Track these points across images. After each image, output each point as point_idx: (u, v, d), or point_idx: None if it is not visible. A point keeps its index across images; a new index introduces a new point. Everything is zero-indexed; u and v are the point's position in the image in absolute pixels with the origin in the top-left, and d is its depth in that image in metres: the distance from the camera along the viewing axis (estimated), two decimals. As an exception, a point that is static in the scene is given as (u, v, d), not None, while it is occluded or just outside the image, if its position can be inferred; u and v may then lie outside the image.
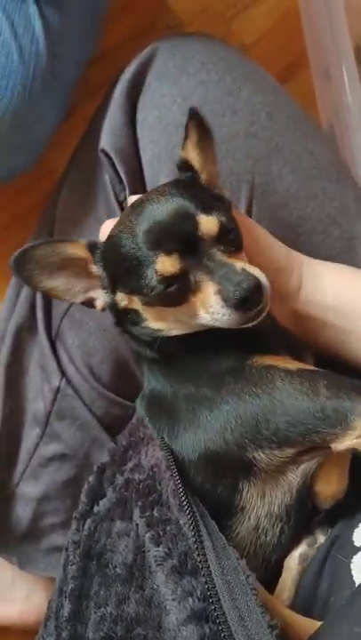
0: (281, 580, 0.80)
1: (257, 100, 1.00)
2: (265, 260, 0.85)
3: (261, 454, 0.73)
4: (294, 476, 0.77)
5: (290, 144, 1.00)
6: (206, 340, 0.81)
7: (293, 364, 0.78)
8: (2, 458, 1.09)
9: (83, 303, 0.83)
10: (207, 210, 0.74)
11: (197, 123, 0.83)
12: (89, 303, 0.84)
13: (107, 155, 1.01)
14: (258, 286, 0.71)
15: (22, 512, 1.10)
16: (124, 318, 0.83)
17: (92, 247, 0.81)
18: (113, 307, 0.82)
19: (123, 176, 1.00)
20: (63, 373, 1.06)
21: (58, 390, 1.05)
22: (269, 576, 0.80)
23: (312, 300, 0.89)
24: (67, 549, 0.84)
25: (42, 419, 1.07)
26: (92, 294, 0.83)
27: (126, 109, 1.02)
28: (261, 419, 0.72)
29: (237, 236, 0.78)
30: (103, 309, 0.84)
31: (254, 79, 1.03)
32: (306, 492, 0.79)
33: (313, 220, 1.00)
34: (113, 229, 0.81)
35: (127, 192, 1.01)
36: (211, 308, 0.73)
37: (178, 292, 0.74)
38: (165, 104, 0.99)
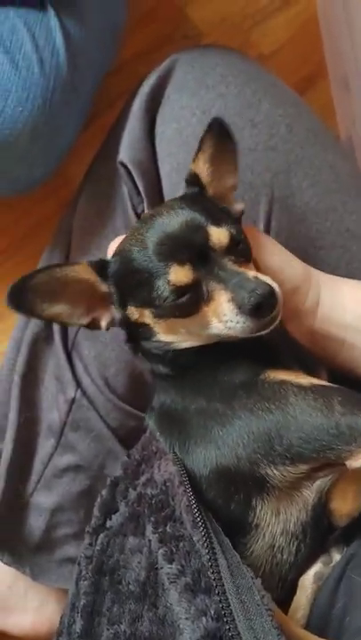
0: (296, 598, 0.79)
1: (277, 113, 1.00)
2: (282, 276, 0.84)
3: (274, 470, 0.72)
4: (309, 493, 0.76)
5: (309, 157, 0.99)
6: (217, 354, 0.80)
7: (306, 380, 0.77)
8: (16, 468, 1.09)
9: (87, 326, 0.82)
10: (217, 222, 0.75)
11: (216, 135, 0.83)
12: (93, 325, 0.82)
13: (125, 167, 1.01)
14: (272, 292, 0.71)
15: (35, 522, 1.09)
16: (135, 333, 0.83)
17: (99, 265, 0.80)
18: (124, 322, 0.82)
19: (141, 188, 1.00)
20: (78, 384, 1.05)
21: (73, 401, 1.05)
22: (285, 595, 0.79)
23: (330, 318, 0.88)
24: (79, 564, 0.83)
25: (57, 429, 1.07)
26: (96, 314, 0.82)
27: (145, 122, 1.02)
28: (274, 434, 0.71)
29: (246, 247, 0.79)
30: (108, 328, 0.83)
31: (274, 92, 1.02)
32: (321, 509, 0.77)
33: (332, 234, 0.99)
34: (122, 243, 0.81)
35: (145, 204, 1.00)
36: (225, 317, 0.73)
37: (190, 302, 0.75)
38: (185, 116, 0.98)
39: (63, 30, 1.03)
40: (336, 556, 0.80)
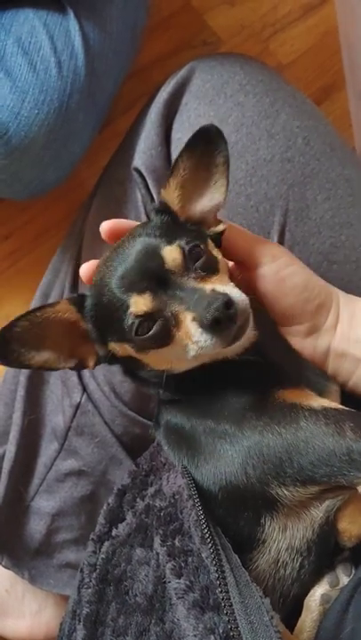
0: (301, 619, 0.78)
1: (294, 125, 0.99)
2: (307, 294, 0.84)
3: (285, 491, 0.71)
4: (317, 512, 0.75)
5: (326, 170, 0.99)
6: (223, 375, 0.79)
7: (317, 402, 0.76)
8: (19, 470, 1.08)
9: (74, 367, 0.79)
10: (170, 241, 0.73)
11: (196, 153, 0.79)
12: (80, 366, 0.79)
13: (140, 173, 1.01)
14: (227, 302, 0.68)
15: (36, 526, 1.09)
16: (128, 364, 0.80)
17: (78, 302, 0.78)
18: (111, 358, 0.79)
19: (155, 195, 0.99)
20: (84, 389, 1.05)
21: (78, 406, 1.05)
22: (286, 612, 0.78)
23: (348, 337, 0.87)
24: (82, 571, 0.82)
25: (61, 433, 1.07)
26: (82, 354, 0.79)
27: (162, 128, 1.01)
28: (285, 457, 0.70)
29: (209, 259, 0.75)
30: (95, 367, 0.80)
31: (292, 103, 1.01)
32: (328, 527, 0.77)
33: (346, 248, 0.98)
34: (96, 274, 0.79)
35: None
36: (194, 337, 0.70)
37: (161, 331, 0.72)
38: (201, 124, 0.97)
39: (82, 33, 1.03)
40: (344, 579, 0.78)
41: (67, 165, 1.08)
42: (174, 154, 1.00)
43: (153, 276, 0.72)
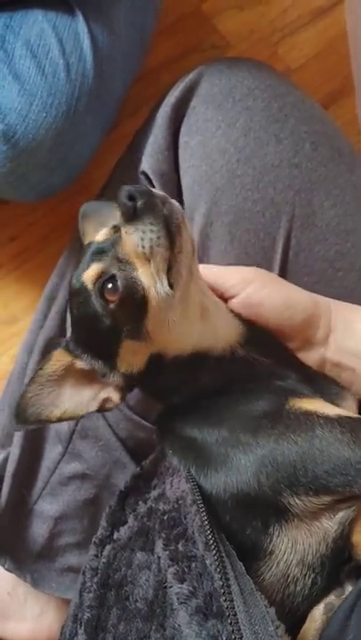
0: (304, 628, 0.76)
1: (302, 130, 0.98)
2: (290, 312, 0.85)
3: (297, 500, 0.70)
4: (330, 524, 0.74)
5: (333, 177, 0.98)
6: (236, 385, 0.81)
7: (333, 410, 0.76)
8: (22, 473, 1.08)
9: (98, 410, 0.81)
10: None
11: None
12: (103, 407, 0.82)
13: (147, 177, 1.01)
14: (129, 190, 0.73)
15: (39, 529, 1.08)
16: (149, 377, 0.81)
17: (68, 344, 0.81)
18: (132, 379, 0.81)
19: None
20: None
21: None
22: (291, 625, 0.77)
23: (343, 347, 0.87)
24: (84, 574, 0.81)
25: (65, 436, 1.06)
26: (103, 394, 0.82)
27: (169, 132, 1.01)
28: (299, 466, 0.70)
29: None
30: (122, 399, 0.83)
31: (301, 108, 1.01)
32: (343, 542, 0.75)
33: (352, 255, 0.98)
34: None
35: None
36: (143, 247, 0.73)
37: (125, 278, 0.73)
38: (209, 129, 0.98)
39: (91, 36, 1.03)
40: (348, 588, 0.77)
41: (74, 168, 1.07)
42: (181, 158, 1.00)
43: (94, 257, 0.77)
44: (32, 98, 0.96)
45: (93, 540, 0.83)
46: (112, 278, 0.74)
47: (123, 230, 0.75)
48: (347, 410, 0.83)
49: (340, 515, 0.74)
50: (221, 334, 0.82)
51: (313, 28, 1.51)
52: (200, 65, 1.05)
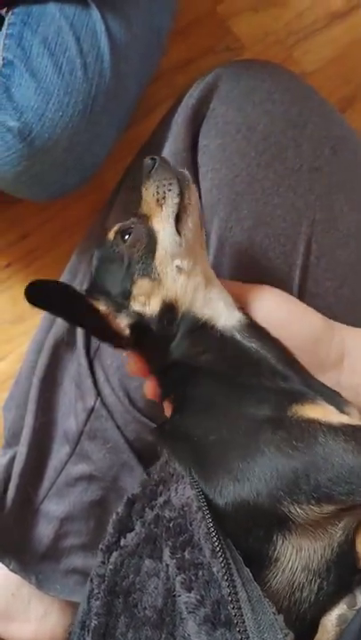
0: (316, 639, 0.76)
1: (322, 135, 0.98)
2: (301, 331, 0.86)
3: (298, 509, 0.68)
4: (335, 530, 0.72)
5: (352, 181, 0.98)
6: (239, 376, 0.80)
7: (337, 418, 0.75)
8: (29, 473, 1.08)
9: (112, 341, 0.86)
10: None
11: None
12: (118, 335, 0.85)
13: (165, 179, 0.99)
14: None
15: (44, 530, 1.08)
16: (159, 327, 0.84)
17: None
18: (142, 322, 0.84)
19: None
20: (98, 393, 1.04)
21: (92, 410, 1.04)
22: (300, 634, 0.76)
23: (357, 370, 0.86)
24: (91, 581, 0.80)
25: (73, 437, 1.06)
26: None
27: (188, 134, 0.99)
28: (301, 474, 0.68)
29: None
30: (131, 343, 0.86)
31: (321, 112, 1.00)
32: (348, 546, 0.74)
33: None
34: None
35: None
36: (156, 195, 0.84)
37: (141, 225, 0.84)
38: (229, 132, 0.97)
39: (109, 35, 1.02)
40: None
41: (89, 169, 1.07)
42: (200, 161, 0.99)
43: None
44: (49, 96, 0.95)
45: (100, 546, 0.82)
46: (128, 227, 0.85)
47: (143, 188, 0.86)
48: (349, 414, 0.82)
49: (345, 521, 0.73)
50: (222, 312, 0.85)
51: (329, 33, 1.51)
52: (216, 66, 1.04)
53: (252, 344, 0.83)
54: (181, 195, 0.83)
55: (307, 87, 1.04)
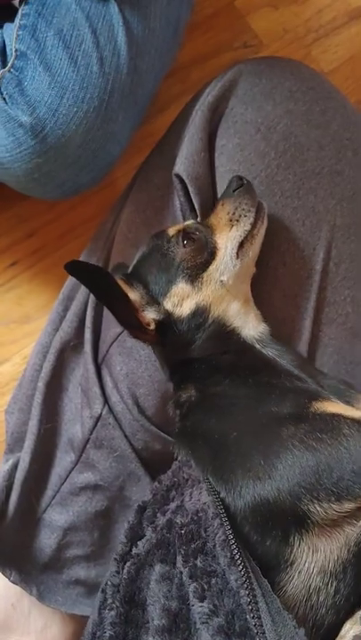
0: None
1: (345, 136, 0.94)
2: None
3: (318, 507, 0.68)
4: (352, 529, 0.70)
5: (376, 186, 0.94)
6: (259, 377, 0.81)
7: (358, 413, 0.74)
8: (32, 481, 1.04)
9: (134, 329, 0.89)
10: None
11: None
12: (143, 326, 0.88)
13: (181, 179, 0.96)
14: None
15: (47, 540, 1.05)
16: (187, 331, 0.87)
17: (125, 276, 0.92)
18: (170, 321, 0.88)
19: (196, 205, 0.95)
20: (106, 401, 1.00)
21: (99, 418, 1.00)
22: None
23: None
24: (104, 591, 0.78)
25: (78, 445, 1.02)
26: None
27: (205, 133, 0.96)
28: (324, 467, 0.68)
29: None
30: (155, 338, 0.89)
31: (343, 113, 0.96)
32: None
33: None
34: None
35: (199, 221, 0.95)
36: (230, 209, 0.89)
37: (202, 237, 0.89)
38: (248, 131, 0.93)
39: (126, 29, 0.97)
40: None
41: (103, 167, 1.03)
42: (218, 161, 0.95)
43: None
44: (63, 91, 0.91)
45: (114, 556, 0.80)
46: (193, 233, 0.89)
47: (220, 203, 0.90)
48: None
49: None
50: (249, 324, 0.89)
51: (348, 31, 1.46)
52: (234, 63, 1.00)
53: (268, 351, 0.87)
54: (254, 224, 0.88)
55: (330, 86, 1.00)
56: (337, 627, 0.74)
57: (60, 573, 1.06)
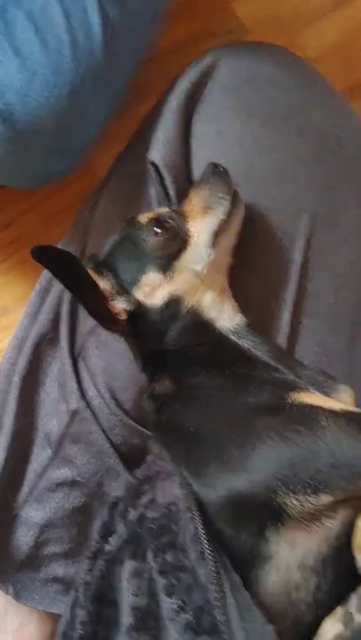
0: None
1: (327, 123, 0.92)
2: None
3: (294, 500, 0.66)
4: (331, 522, 0.69)
5: (358, 175, 0.92)
6: (235, 369, 0.80)
7: (337, 404, 0.74)
8: (7, 477, 1.02)
9: (104, 320, 0.86)
10: None
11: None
12: (113, 315, 0.86)
13: (156, 167, 0.93)
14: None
15: (23, 537, 1.03)
16: (160, 322, 0.86)
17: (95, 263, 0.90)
18: (141, 312, 0.86)
19: (172, 193, 0.93)
20: (83, 395, 0.99)
21: (75, 412, 0.99)
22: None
23: None
24: (76, 590, 0.77)
25: (55, 440, 1.01)
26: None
27: (182, 120, 0.94)
28: (300, 459, 0.66)
29: None
30: (125, 327, 0.87)
31: (326, 100, 0.94)
32: (346, 539, 0.70)
33: None
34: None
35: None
36: (205, 196, 0.87)
37: (175, 225, 0.86)
38: (226, 117, 0.91)
39: (101, 11, 0.94)
40: (358, 618, 0.72)
41: (76, 153, 1.00)
42: (194, 148, 0.94)
43: None
44: (33, 75, 0.88)
45: (87, 554, 0.79)
46: (165, 221, 0.86)
47: (194, 189, 0.89)
48: (344, 403, 0.81)
49: (341, 513, 0.69)
50: (225, 316, 0.88)
51: (335, 17, 1.43)
52: (217, 48, 0.97)
53: (244, 343, 0.85)
54: (229, 212, 0.85)
55: (312, 72, 0.98)
56: (318, 622, 0.72)
57: (38, 571, 1.04)
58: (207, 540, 0.63)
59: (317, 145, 0.91)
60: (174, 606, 0.60)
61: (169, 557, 0.65)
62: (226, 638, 0.55)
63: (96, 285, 0.84)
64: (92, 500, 1.01)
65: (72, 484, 1.00)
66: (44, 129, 0.90)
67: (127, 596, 0.66)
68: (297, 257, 0.92)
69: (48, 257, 0.80)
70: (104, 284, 0.86)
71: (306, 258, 0.92)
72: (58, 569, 1.04)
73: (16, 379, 1.04)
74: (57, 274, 0.83)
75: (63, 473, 1.00)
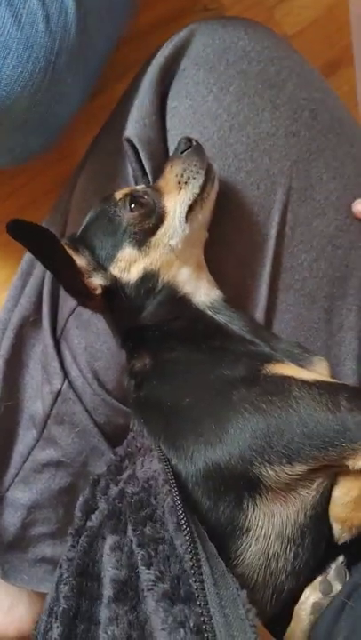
0: (290, 628, 0.73)
1: (301, 97, 0.91)
2: None
3: (269, 470, 0.68)
4: (308, 492, 0.71)
5: (333, 148, 0.92)
6: (211, 343, 0.81)
7: (310, 375, 0.75)
8: (-8, 458, 1.02)
9: (80, 296, 0.88)
10: None
11: None
12: (89, 291, 0.86)
13: (132, 144, 0.93)
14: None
15: (10, 518, 1.03)
16: (136, 297, 0.85)
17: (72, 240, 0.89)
18: (118, 287, 0.86)
19: (148, 169, 0.92)
20: (66, 375, 0.99)
21: (59, 393, 0.99)
22: (280, 609, 0.73)
23: None
24: (60, 566, 0.77)
25: (39, 421, 1.01)
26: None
27: (157, 95, 0.93)
28: (274, 429, 0.68)
29: None
30: (101, 303, 0.87)
31: (300, 73, 0.93)
32: (322, 509, 0.72)
33: (352, 233, 0.92)
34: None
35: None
36: (178, 167, 0.87)
37: (151, 201, 0.86)
38: (200, 93, 0.90)
39: (75, -15, 0.93)
40: (337, 586, 0.74)
41: (53, 131, 0.99)
42: (169, 123, 0.93)
43: None
44: (6, 51, 0.87)
45: (70, 531, 0.79)
46: (140, 197, 0.86)
47: (168, 165, 0.88)
48: (320, 374, 0.83)
49: (317, 482, 0.71)
50: (201, 291, 0.88)
51: (313, -6, 1.42)
52: (192, 23, 0.96)
53: (220, 317, 0.86)
54: (203, 187, 0.85)
55: (286, 45, 0.97)
56: (298, 591, 0.74)
57: (26, 552, 1.05)
58: (183, 511, 0.64)
59: (291, 118, 0.91)
60: (152, 577, 0.61)
61: (148, 530, 0.66)
62: (200, 604, 0.55)
63: (72, 261, 0.84)
64: (78, 479, 1.02)
65: (58, 464, 1.01)
66: (18, 105, 0.88)
67: (108, 570, 0.67)
68: (272, 231, 0.92)
69: (23, 232, 0.79)
70: (80, 260, 0.86)
71: (281, 232, 0.92)
72: (46, 549, 1.04)
73: (0, 361, 1.03)
74: (32, 249, 0.82)
75: (48, 454, 1.00)
